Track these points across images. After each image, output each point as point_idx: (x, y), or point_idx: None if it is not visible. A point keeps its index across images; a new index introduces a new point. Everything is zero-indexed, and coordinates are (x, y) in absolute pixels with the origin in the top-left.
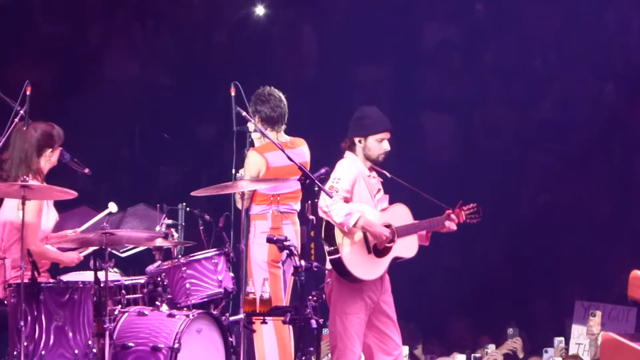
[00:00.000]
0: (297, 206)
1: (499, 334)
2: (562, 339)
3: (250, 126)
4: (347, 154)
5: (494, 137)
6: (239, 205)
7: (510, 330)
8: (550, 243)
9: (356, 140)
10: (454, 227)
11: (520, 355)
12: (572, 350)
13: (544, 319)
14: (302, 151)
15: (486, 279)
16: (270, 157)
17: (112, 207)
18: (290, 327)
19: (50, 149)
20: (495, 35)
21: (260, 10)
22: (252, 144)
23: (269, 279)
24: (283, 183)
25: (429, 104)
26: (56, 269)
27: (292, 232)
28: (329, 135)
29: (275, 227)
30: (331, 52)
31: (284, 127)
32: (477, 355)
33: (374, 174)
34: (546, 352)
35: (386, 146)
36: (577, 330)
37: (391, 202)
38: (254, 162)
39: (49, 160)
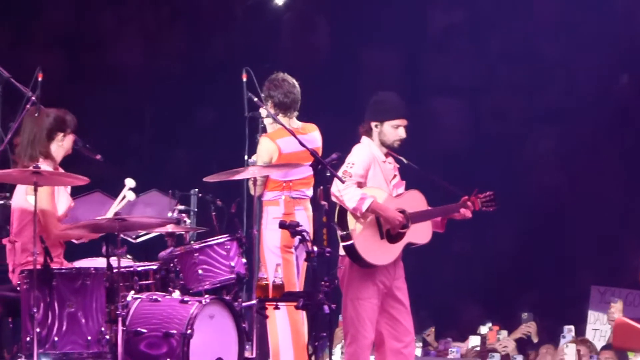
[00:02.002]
0: (310, 192)
1: (512, 320)
2: (572, 327)
3: (263, 112)
4: (363, 138)
5: (503, 122)
6: (253, 192)
7: (524, 315)
8: (562, 228)
9: (372, 124)
10: (469, 214)
11: (535, 340)
12: (589, 336)
13: (556, 304)
14: (313, 137)
15: (497, 264)
16: (282, 143)
17: (130, 182)
18: (304, 312)
19: (62, 133)
20: (504, 20)
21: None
22: (264, 130)
23: (282, 264)
24: (295, 169)
25: (437, 89)
26: (69, 254)
27: (305, 218)
28: (339, 121)
29: (288, 212)
30: (342, 37)
31: (296, 113)
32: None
33: (390, 159)
34: (564, 337)
35: (402, 133)
36: (594, 316)
37: (407, 189)
38: (266, 148)
39: (61, 145)
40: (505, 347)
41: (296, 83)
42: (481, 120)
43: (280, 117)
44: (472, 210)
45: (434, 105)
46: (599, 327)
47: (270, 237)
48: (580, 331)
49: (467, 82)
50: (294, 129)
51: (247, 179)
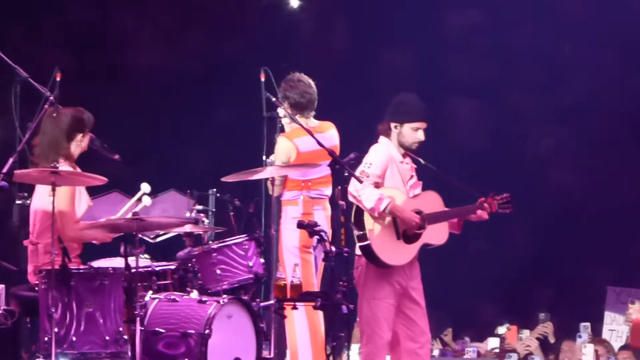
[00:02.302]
0: (328, 191)
1: (529, 319)
2: (589, 324)
3: (280, 111)
4: (381, 138)
5: (521, 122)
6: (271, 192)
7: (541, 315)
8: (579, 227)
9: (392, 125)
10: (485, 216)
11: (552, 340)
12: (605, 336)
13: (574, 303)
14: (330, 135)
15: (515, 264)
16: (299, 143)
17: (145, 187)
18: (322, 312)
19: (81, 134)
20: (522, 19)
21: (294, 2)
22: (282, 130)
23: (300, 264)
24: (313, 168)
25: (456, 89)
26: (87, 254)
27: (323, 218)
28: (357, 121)
29: (307, 212)
30: (359, 37)
31: (313, 113)
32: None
33: (407, 160)
34: (580, 337)
35: (421, 136)
36: (610, 317)
37: (424, 189)
38: (283, 148)
39: (79, 145)
40: (528, 346)
41: (312, 83)
42: (499, 120)
43: (297, 118)
44: (489, 212)
45: (451, 106)
46: (615, 327)
47: (289, 237)
48: (596, 332)
49: (484, 82)
50: (311, 128)
51: (266, 180)
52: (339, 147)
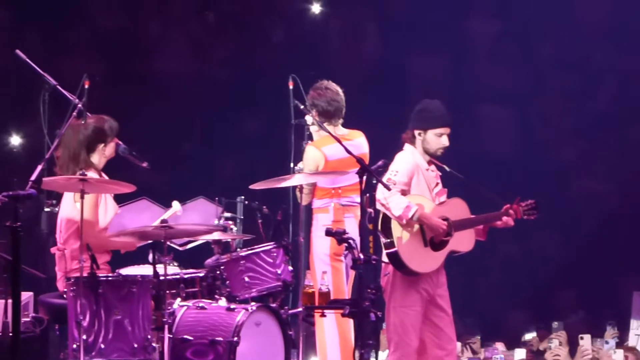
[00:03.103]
0: (359, 198)
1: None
2: (614, 322)
3: (308, 119)
4: (406, 146)
5: (551, 130)
6: (300, 200)
7: (555, 324)
8: (609, 234)
9: (416, 132)
10: (511, 222)
11: (565, 350)
12: (632, 342)
13: (602, 310)
14: (359, 143)
15: (543, 270)
16: (328, 151)
17: (176, 205)
18: (351, 320)
19: (103, 144)
20: (551, 26)
21: (316, 8)
22: (310, 137)
23: (331, 272)
24: (340, 176)
25: (486, 97)
26: (115, 262)
27: (354, 225)
28: (386, 128)
29: (337, 220)
30: (389, 44)
31: (341, 120)
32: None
33: (432, 167)
34: (607, 342)
35: (445, 141)
36: (636, 322)
37: (450, 197)
38: (312, 156)
39: (103, 154)
40: (557, 355)
41: (340, 90)
42: (529, 127)
43: (325, 126)
44: (514, 218)
45: (481, 113)
46: None
47: (320, 244)
48: (623, 338)
49: (514, 89)
50: (340, 136)
51: (294, 188)
52: (368, 155)
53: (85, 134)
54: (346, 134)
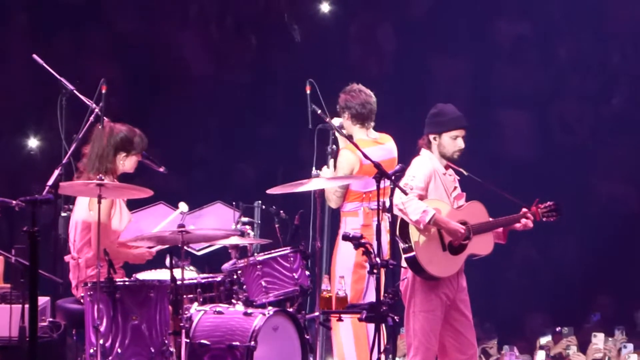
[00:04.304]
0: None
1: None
2: (622, 327)
3: (336, 122)
4: (423, 151)
5: (570, 132)
6: (332, 204)
7: (564, 330)
8: (630, 237)
9: (431, 137)
10: (530, 224)
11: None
12: None
13: (623, 313)
14: (390, 147)
15: (563, 274)
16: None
17: (183, 206)
18: (368, 324)
19: (125, 154)
20: (571, 30)
21: (325, 7)
22: (334, 142)
23: (353, 278)
24: (359, 180)
25: (506, 99)
26: (133, 267)
27: (383, 229)
28: (406, 132)
29: (367, 224)
30: (408, 48)
31: (372, 124)
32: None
33: (450, 171)
34: (625, 347)
35: (461, 144)
36: None
37: (468, 200)
38: (347, 159)
39: (122, 163)
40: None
41: (372, 94)
42: (548, 130)
43: (357, 128)
44: (533, 220)
45: (500, 116)
46: None
47: (347, 250)
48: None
49: (535, 92)
50: (372, 139)
51: (314, 193)
52: (396, 159)
53: (115, 138)
54: (378, 137)
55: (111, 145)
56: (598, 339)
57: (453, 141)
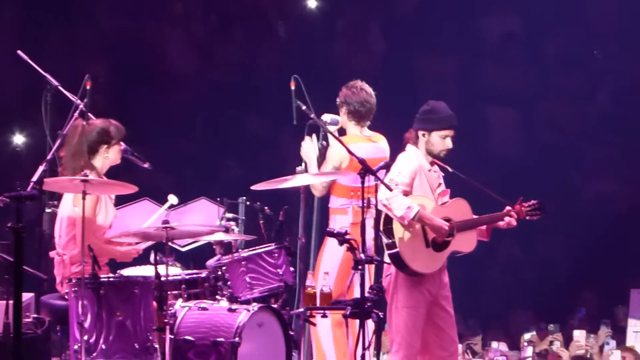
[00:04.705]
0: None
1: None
2: (609, 321)
3: (326, 117)
4: (409, 147)
5: (555, 131)
6: (316, 193)
7: (550, 327)
8: (615, 235)
9: (420, 133)
10: (514, 222)
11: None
12: (630, 339)
13: (607, 310)
14: (383, 146)
15: (546, 271)
16: (353, 150)
17: (172, 199)
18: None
19: (106, 146)
20: (558, 28)
21: (312, 3)
22: (325, 138)
23: (337, 275)
24: (345, 176)
25: (491, 97)
26: (117, 263)
27: (367, 225)
28: (391, 129)
29: (356, 222)
30: (394, 45)
31: (368, 122)
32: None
33: (435, 168)
34: (608, 344)
35: (449, 144)
36: (634, 320)
37: (452, 197)
38: (338, 152)
39: (106, 157)
40: (559, 357)
41: (373, 93)
42: (535, 129)
43: (352, 124)
44: (517, 218)
45: (486, 114)
46: (639, 329)
47: (335, 247)
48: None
49: (522, 90)
50: (366, 137)
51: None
52: (388, 159)
53: (88, 134)
54: (372, 135)
55: (85, 142)
56: (580, 336)
57: (442, 140)
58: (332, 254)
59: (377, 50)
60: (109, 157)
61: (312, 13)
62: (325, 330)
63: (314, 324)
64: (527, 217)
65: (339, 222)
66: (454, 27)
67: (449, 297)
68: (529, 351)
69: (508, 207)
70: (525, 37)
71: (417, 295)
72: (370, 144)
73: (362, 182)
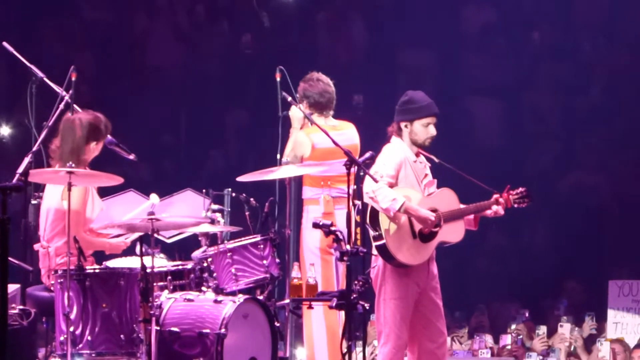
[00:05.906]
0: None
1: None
2: (593, 314)
3: (294, 111)
4: (393, 139)
5: (540, 121)
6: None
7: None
8: (599, 226)
9: (402, 125)
10: (501, 211)
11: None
12: (610, 330)
13: (592, 301)
14: (349, 134)
15: (532, 261)
16: (315, 138)
17: (154, 198)
18: (340, 312)
19: (96, 142)
20: (541, 18)
21: None
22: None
23: (321, 265)
24: (330, 166)
25: (475, 88)
26: (103, 255)
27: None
28: (375, 120)
29: (328, 212)
30: (376, 35)
31: (332, 112)
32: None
33: (421, 158)
34: (600, 342)
35: (432, 131)
36: (613, 311)
37: (439, 187)
38: (298, 140)
39: (92, 151)
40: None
41: (331, 82)
42: (519, 119)
43: (315, 116)
44: (505, 207)
45: (470, 104)
46: (619, 320)
47: (311, 237)
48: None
49: (504, 81)
50: (330, 127)
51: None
52: (358, 146)
53: (85, 129)
54: (337, 125)
55: (84, 137)
56: (564, 329)
57: (425, 128)
58: (309, 245)
59: (359, 40)
60: (94, 152)
61: (294, 5)
62: (318, 321)
63: (300, 316)
64: (515, 205)
65: (311, 212)
66: (435, 17)
67: (438, 288)
68: (507, 339)
69: (496, 195)
70: (508, 27)
71: (405, 287)
72: (334, 132)
73: (348, 174)
